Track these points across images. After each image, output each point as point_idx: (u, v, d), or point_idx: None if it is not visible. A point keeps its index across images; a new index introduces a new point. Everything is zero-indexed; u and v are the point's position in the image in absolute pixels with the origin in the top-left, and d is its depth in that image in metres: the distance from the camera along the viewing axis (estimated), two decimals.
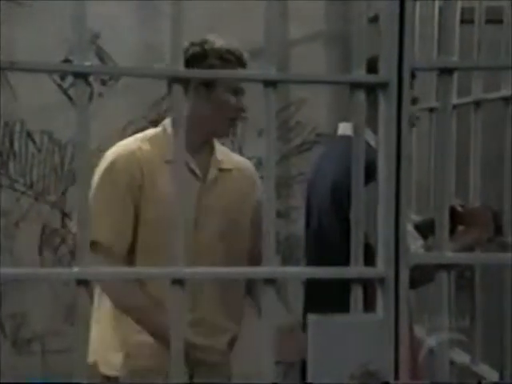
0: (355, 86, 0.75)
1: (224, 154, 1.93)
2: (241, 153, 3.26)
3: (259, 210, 1.84)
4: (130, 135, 2.86)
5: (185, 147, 1.99)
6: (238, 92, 1.80)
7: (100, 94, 2.95)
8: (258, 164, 3.25)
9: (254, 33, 3.15)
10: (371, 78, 0.75)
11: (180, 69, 0.74)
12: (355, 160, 0.78)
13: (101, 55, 2.97)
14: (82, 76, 0.73)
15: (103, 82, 2.95)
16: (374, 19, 0.89)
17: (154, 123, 3.18)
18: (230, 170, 1.90)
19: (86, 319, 0.74)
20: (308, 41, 3.19)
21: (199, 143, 1.84)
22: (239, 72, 0.67)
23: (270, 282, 0.79)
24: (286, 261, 3.11)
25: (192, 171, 1.83)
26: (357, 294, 0.78)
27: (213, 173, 1.86)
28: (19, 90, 2.96)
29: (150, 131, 1.91)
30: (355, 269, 0.78)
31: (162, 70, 0.76)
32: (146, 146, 1.84)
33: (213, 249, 1.83)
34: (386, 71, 0.75)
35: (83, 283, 0.72)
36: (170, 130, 1.81)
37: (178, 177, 0.77)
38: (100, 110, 2.88)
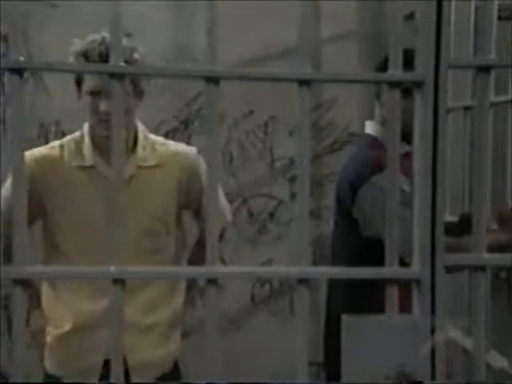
0: (391, 84, 0.75)
1: (154, 149, 1.88)
2: (271, 153, 3.28)
3: (201, 194, 1.84)
4: (162, 135, 2.89)
5: (94, 152, 2.00)
6: (96, 93, 1.75)
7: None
8: (290, 164, 3.26)
9: (284, 33, 3.16)
10: (407, 77, 0.75)
11: (215, 68, 0.74)
12: (390, 159, 0.78)
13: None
14: (117, 76, 0.74)
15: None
16: (409, 16, 0.89)
17: (185, 123, 3.22)
18: (153, 167, 1.86)
19: (119, 318, 0.75)
20: (339, 40, 3.17)
21: (106, 145, 1.79)
22: (274, 71, 0.66)
23: (303, 281, 0.79)
24: (317, 261, 3.10)
25: (103, 176, 1.80)
26: (391, 295, 0.77)
27: (127, 173, 1.78)
28: (54, 91, 3.01)
29: (69, 136, 1.90)
30: (390, 269, 0.77)
31: (197, 70, 0.76)
32: (55, 152, 1.85)
33: (134, 249, 1.76)
34: (422, 69, 0.75)
35: (119, 282, 0.73)
36: (87, 137, 1.83)
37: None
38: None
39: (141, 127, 1.91)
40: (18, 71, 0.69)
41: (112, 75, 0.74)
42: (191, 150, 1.96)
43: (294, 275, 0.80)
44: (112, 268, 0.73)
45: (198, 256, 1.93)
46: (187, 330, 3.24)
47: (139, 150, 1.87)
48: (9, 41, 0.70)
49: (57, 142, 1.89)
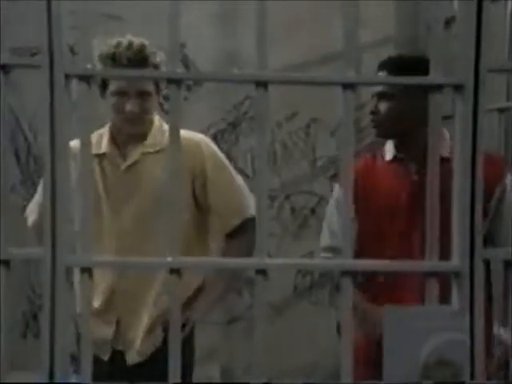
0: (432, 88, 0.74)
1: (163, 135, 1.86)
2: (313, 152, 3.27)
3: (205, 179, 1.84)
4: (211, 135, 2.89)
5: (110, 143, 2.02)
6: (121, 94, 1.76)
7: (185, 99, 3.01)
8: (330, 162, 3.24)
9: (325, 39, 3.13)
10: (448, 80, 0.73)
11: (264, 73, 0.74)
12: (431, 156, 0.76)
13: (186, 62, 3.03)
14: (174, 82, 0.75)
15: (188, 88, 3.01)
16: (448, 22, 0.87)
17: (233, 125, 3.24)
18: (158, 151, 1.85)
19: (177, 308, 0.76)
20: (377, 46, 3.14)
21: (123, 137, 1.85)
22: (320, 76, 0.66)
23: (346, 274, 0.78)
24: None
25: (113, 161, 1.86)
26: (431, 287, 0.76)
27: (132, 158, 1.85)
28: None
29: (99, 130, 1.92)
30: (430, 262, 0.76)
31: (247, 74, 0.77)
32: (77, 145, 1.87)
33: (134, 231, 1.82)
34: (462, 73, 0.73)
35: (175, 272, 0.74)
36: (107, 131, 1.87)
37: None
38: (184, 113, 2.97)
39: (158, 121, 1.92)
40: (86, 78, 0.70)
41: (169, 81, 0.75)
42: (197, 135, 1.93)
43: (337, 267, 0.80)
44: (169, 259, 0.74)
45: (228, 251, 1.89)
46: (234, 316, 3.26)
47: (149, 138, 1.88)
48: (77, 51, 0.71)
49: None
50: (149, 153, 1.87)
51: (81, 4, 0.71)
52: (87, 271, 0.71)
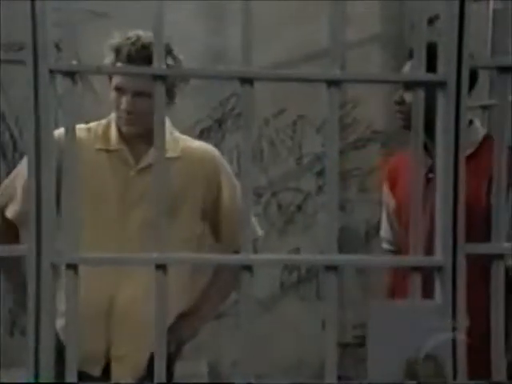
0: (415, 84, 0.74)
1: (176, 142, 1.82)
2: (300, 149, 3.27)
3: (219, 193, 1.79)
4: (197, 132, 2.87)
5: (120, 139, 1.93)
6: (120, 91, 1.70)
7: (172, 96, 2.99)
8: (316, 159, 3.25)
9: (310, 36, 3.13)
10: (431, 77, 0.74)
11: (250, 70, 0.74)
12: (415, 157, 0.77)
13: (172, 59, 3.01)
14: (160, 78, 0.74)
15: (173, 85, 2.99)
16: (432, 20, 0.87)
17: (219, 122, 3.23)
18: (173, 158, 1.76)
19: (163, 303, 0.75)
20: (362, 43, 3.15)
21: (135, 135, 1.76)
22: (305, 72, 0.66)
23: (331, 268, 0.79)
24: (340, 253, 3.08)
25: (125, 160, 1.77)
26: (416, 282, 0.76)
27: (146, 161, 1.75)
28: (105, 94, 3.03)
29: (96, 122, 1.84)
30: (414, 258, 0.77)
31: (233, 71, 0.77)
32: (81, 133, 1.75)
33: (140, 239, 1.69)
34: (445, 70, 0.74)
35: (162, 268, 0.74)
36: (113, 124, 1.79)
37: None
38: (171, 110, 2.96)
39: (168, 124, 1.88)
40: (71, 74, 0.70)
41: (155, 77, 0.74)
42: (208, 146, 1.89)
43: (322, 262, 0.80)
44: (155, 254, 0.74)
45: (216, 282, 1.85)
46: (221, 312, 3.26)
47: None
48: (62, 47, 0.70)
49: (82, 125, 1.81)
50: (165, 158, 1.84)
51: (65, 1, 0.71)
52: (73, 268, 0.70)
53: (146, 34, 1.70)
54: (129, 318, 1.75)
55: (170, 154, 1.81)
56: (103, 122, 1.84)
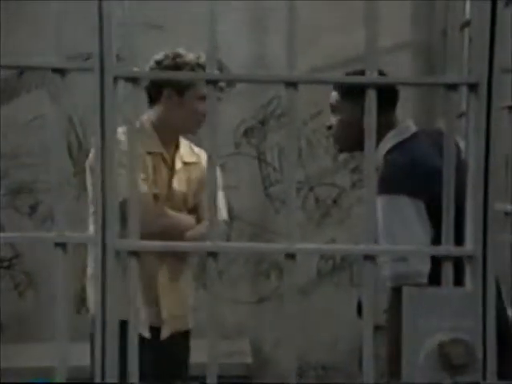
0: (449, 87, 0.72)
1: (185, 147, 1.97)
2: (335, 148, 3.25)
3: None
4: (242, 132, 2.89)
5: (159, 142, 2.09)
6: (203, 98, 1.83)
7: (219, 99, 3.02)
8: (351, 157, 3.22)
9: (347, 43, 3.09)
10: (464, 79, 0.72)
11: (294, 74, 0.74)
12: (446, 155, 0.75)
13: (220, 66, 3.03)
14: (212, 83, 0.75)
15: (221, 89, 3.01)
16: (464, 26, 0.86)
17: (262, 122, 3.24)
18: (192, 164, 1.95)
19: (215, 290, 0.76)
20: (393, 50, 3.10)
21: (169, 140, 1.90)
22: (343, 77, 0.66)
23: (368, 258, 0.78)
24: None
25: (165, 160, 1.90)
26: (447, 271, 0.75)
27: (178, 164, 1.92)
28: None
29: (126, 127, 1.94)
30: (445, 247, 0.75)
31: (279, 75, 0.76)
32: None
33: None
34: (477, 72, 0.72)
35: (212, 254, 0.74)
36: (147, 125, 1.89)
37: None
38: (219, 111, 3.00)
39: None
40: (133, 80, 0.71)
41: (208, 82, 0.75)
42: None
43: (361, 252, 0.79)
44: (208, 243, 0.74)
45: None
46: (262, 297, 3.27)
47: (181, 148, 1.96)
48: (122, 57, 0.72)
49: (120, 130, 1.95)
50: (187, 163, 1.96)
51: (126, 14, 0.72)
52: (135, 255, 0.71)
53: (205, 55, 1.83)
54: (172, 287, 1.91)
55: (188, 160, 1.96)
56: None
